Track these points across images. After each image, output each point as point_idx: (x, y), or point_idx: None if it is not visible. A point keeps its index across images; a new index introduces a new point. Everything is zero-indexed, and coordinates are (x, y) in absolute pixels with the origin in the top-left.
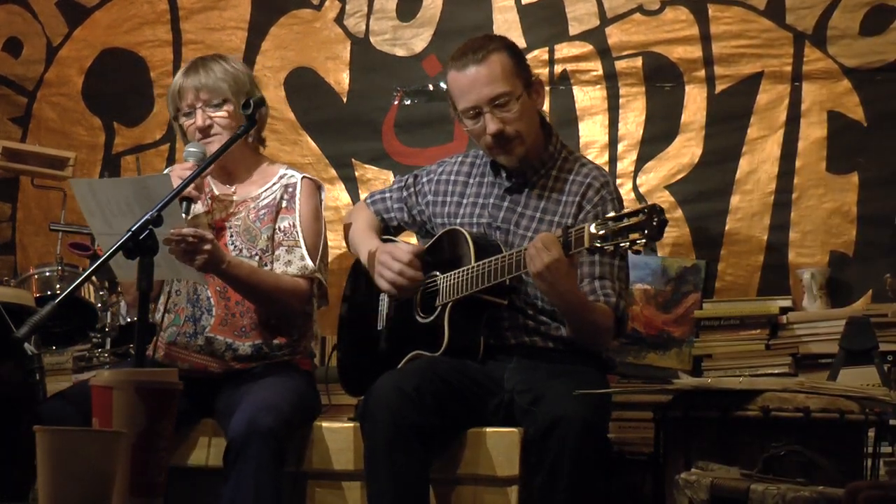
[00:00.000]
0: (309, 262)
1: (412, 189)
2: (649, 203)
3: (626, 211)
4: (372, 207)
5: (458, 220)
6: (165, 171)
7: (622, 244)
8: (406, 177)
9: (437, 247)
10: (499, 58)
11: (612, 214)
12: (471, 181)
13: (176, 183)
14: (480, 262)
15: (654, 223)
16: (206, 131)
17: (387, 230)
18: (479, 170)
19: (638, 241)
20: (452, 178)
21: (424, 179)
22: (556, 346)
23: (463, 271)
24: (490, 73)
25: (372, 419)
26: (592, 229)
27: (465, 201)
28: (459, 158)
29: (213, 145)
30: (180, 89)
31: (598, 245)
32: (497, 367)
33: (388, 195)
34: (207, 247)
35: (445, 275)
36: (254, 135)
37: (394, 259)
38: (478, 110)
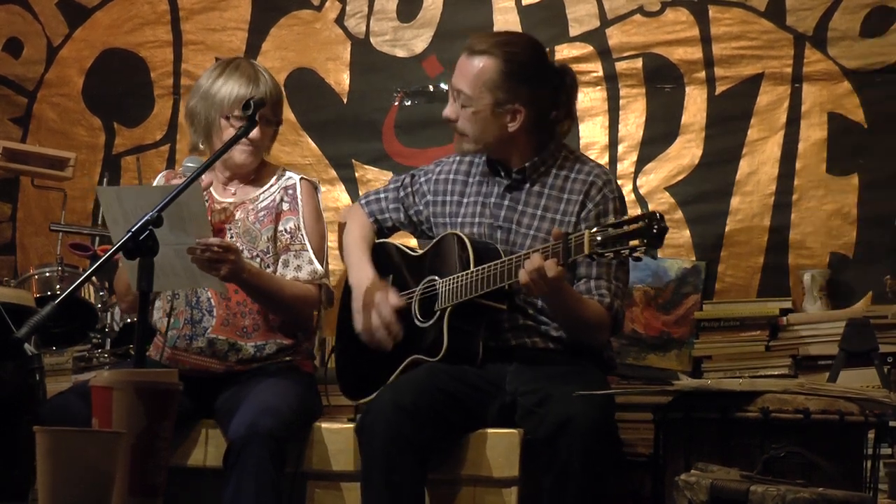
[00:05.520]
0: (318, 267)
1: (409, 189)
2: (649, 210)
3: (625, 218)
4: (366, 208)
5: (460, 220)
6: (159, 176)
7: (622, 251)
8: (402, 176)
9: (436, 250)
10: (486, 64)
11: (611, 221)
12: (470, 180)
13: (204, 192)
14: (479, 268)
15: (655, 231)
16: (257, 144)
17: (381, 232)
18: (478, 169)
19: (638, 249)
20: (451, 176)
21: (422, 179)
22: (556, 346)
23: (461, 276)
24: (468, 70)
25: (369, 434)
26: (592, 237)
27: (465, 200)
28: (457, 157)
29: (249, 155)
30: (237, 98)
31: (598, 252)
32: (498, 369)
33: (383, 195)
34: (232, 256)
35: (444, 279)
36: (268, 142)
37: (377, 313)
38: (452, 91)
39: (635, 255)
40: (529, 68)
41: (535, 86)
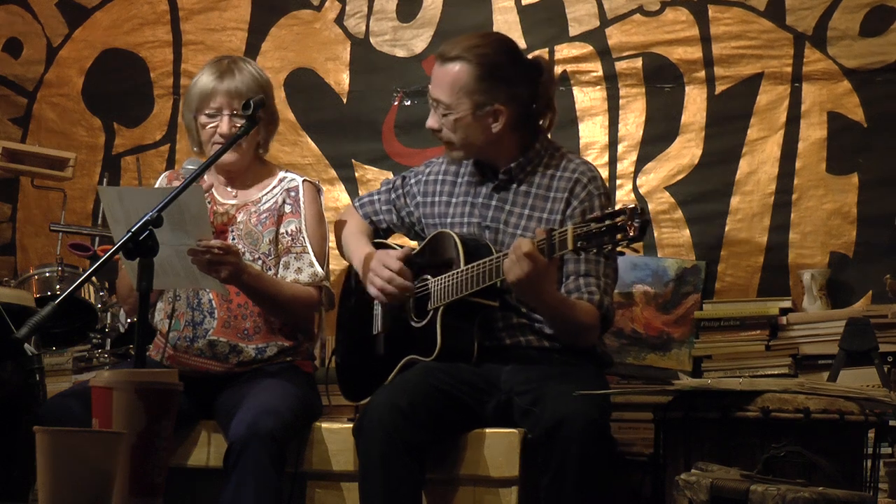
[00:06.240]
0: (319, 269)
1: (400, 191)
2: (631, 204)
3: (607, 212)
4: (360, 211)
5: (449, 220)
6: (161, 177)
7: (606, 246)
8: (394, 178)
9: (427, 250)
10: (460, 70)
11: (595, 214)
12: (459, 180)
13: (206, 194)
14: (470, 265)
15: (636, 223)
16: (240, 141)
17: (376, 233)
18: (467, 169)
19: (621, 243)
20: (440, 177)
21: (412, 181)
22: (551, 344)
23: (452, 275)
24: (443, 79)
25: (366, 436)
26: (575, 232)
27: (454, 201)
28: (446, 158)
29: (232, 153)
30: (212, 91)
31: (582, 247)
32: (493, 368)
33: (376, 198)
34: (233, 259)
35: (436, 278)
36: (262, 141)
37: (384, 266)
38: (431, 101)
39: (618, 248)
40: (504, 67)
41: (512, 83)
